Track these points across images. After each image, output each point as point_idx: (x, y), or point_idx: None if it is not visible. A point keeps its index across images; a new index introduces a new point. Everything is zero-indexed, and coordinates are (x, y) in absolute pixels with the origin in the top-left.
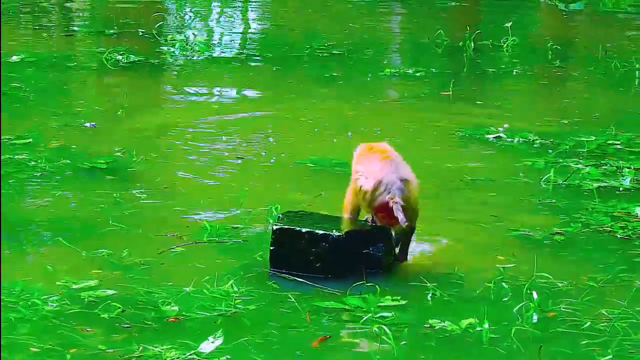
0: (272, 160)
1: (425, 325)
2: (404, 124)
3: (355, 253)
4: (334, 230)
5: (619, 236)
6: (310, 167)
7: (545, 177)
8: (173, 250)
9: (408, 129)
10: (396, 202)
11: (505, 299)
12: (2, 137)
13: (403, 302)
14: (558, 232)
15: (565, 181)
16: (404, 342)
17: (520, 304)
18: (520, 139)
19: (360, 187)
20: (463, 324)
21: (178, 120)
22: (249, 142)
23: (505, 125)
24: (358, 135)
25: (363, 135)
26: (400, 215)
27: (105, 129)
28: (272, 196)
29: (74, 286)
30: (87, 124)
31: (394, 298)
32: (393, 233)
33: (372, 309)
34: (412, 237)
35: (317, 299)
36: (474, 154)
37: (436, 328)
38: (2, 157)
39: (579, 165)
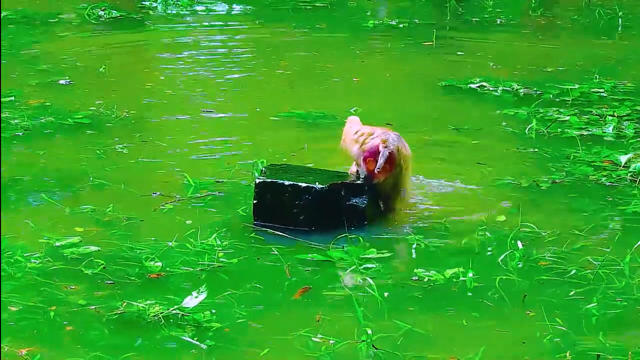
0: (255, 112)
1: (410, 277)
2: (386, 74)
3: (339, 205)
4: (317, 183)
5: (607, 184)
6: (292, 120)
7: (529, 126)
8: (163, 208)
9: (390, 79)
10: (386, 147)
11: (490, 248)
12: None
13: (387, 254)
14: (543, 181)
15: (547, 129)
16: (387, 294)
17: (505, 253)
18: (504, 88)
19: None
20: (447, 274)
21: (161, 77)
22: (231, 97)
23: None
24: (341, 85)
25: (345, 87)
26: (381, 160)
27: (87, 85)
28: (256, 149)
29: (57, 243)
30: (62, 81)
31: (378, 250)
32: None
33: (355, 260)
34: (401, 194)
35: (301, 252)
36: (457, 104)
37: (420, 278)
38: None
39: (561, 116)
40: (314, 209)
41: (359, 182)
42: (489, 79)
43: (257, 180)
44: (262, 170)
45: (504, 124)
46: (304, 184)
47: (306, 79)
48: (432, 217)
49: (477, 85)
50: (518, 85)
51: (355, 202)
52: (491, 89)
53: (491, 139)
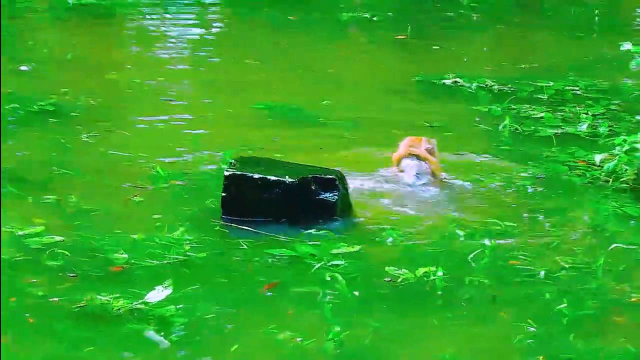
0: (224, 103)
1: (380, 274)
2: (359, 67)
3: (310, 200)
4: (287, 177)
5: (578, 183)
6: (262, 112)
7: (503, 124)
8: (131, 199)
9: (363, 72)
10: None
11: (460, 247)
12: None
13: (357, 249)
14: (517, 177)
15: (520, 127)
16: (357, 292)
17: (475, 252)
18: (478, 84)
19: None
20: (418, 272)
21: (128, 65)
22: (200, 87)
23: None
24: (313, 78)
25: (318, 80)
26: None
27: (53, 72)
28: (225, 141)
29: (20, 232)
30: (23, 67)
31: (348, 245)
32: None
33: (324, 257)
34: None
35: (269, 247)
36: (431, 99)
37: (391, 276)
38: None
39: (535, 113)
40: (283, 202)
41: (329, 176)
42: (462, 75)
43: (226, 173)
44: (231, 163)
45: (477, 119)
46: (273, 177)
47: (278, 71)
48: (403, 213)
49: (451, 81)
50: (492, 81)
51: (326, 197)
52: (465, 85)
53: (464, 136)
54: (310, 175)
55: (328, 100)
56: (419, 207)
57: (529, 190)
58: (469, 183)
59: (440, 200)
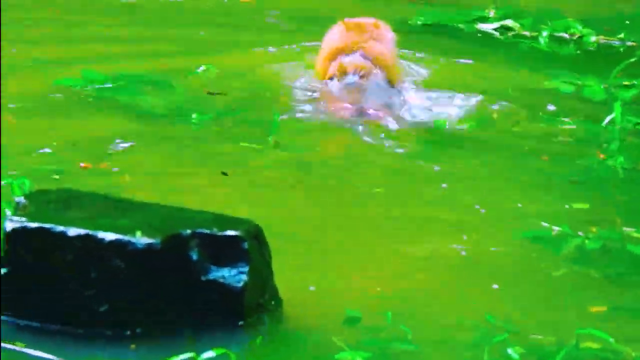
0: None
1: None
2: None
3: (189, 283)
4: (139, 233)
5: None
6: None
7: (609, 117)
8: None
9: None
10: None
11: None
12: None
13: None
14: None
15: None
16: None
17: None
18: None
19: None
20: None
21: None
22: None
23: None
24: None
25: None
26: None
27: None
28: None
29: None
30: None
31: None
32: None
33: None
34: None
35: None
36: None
37: None
38: None
39: None
40: (132, 289)
41: (230, 232)
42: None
43: (9, 226)
44: (18, 203)
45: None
46: (111, 235)
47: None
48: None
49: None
50: (580, 26)
51: (223, 276)
52: (524, 34)
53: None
54: (190, 231)
55: (205, 66)
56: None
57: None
58: None
59: None
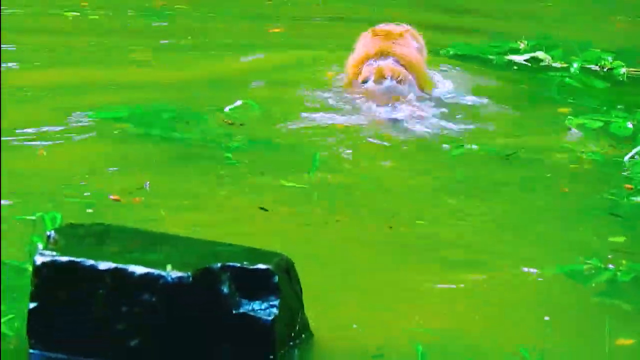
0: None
1: None
2: None
3: (217, 315)
4: (169, 266)
5: None
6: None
7: (633, 152)
8: None
9: None
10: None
11: None
12: None
13: None
14: None
15: None
16: None
17: None
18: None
19: None
20: None
21: None
22: None
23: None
24: None
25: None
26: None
27: None
28: (44, 187)
29: None
30: None
31: None
32: None
33: None
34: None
35: None
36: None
37: None
38: None
39: None
40: (163, 323)
41: (261, 266)
42: (544, 41)
43: (39, 260)
44: (49, 236)
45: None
46: (141, 269)
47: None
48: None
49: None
50: (610, 56)
51: (253, 309)
52: (554, 65)
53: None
54: (220, 265)
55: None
56: None
57: None
58: None
59: None
